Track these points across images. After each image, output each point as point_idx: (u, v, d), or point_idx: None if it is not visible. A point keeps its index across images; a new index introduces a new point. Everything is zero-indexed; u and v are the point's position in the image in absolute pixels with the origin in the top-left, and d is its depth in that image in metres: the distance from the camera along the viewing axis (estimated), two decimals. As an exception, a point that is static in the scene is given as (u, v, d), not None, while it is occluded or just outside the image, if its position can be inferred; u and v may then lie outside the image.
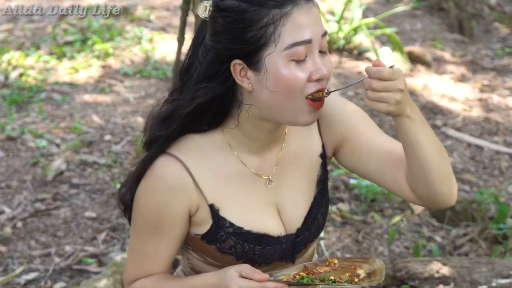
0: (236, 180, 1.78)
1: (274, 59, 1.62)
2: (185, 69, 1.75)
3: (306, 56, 1.63)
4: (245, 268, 1.67)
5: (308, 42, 1.62)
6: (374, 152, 1.82)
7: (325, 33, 1.67)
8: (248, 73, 1.66)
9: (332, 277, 1.67)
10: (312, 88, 1.65)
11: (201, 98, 1.69)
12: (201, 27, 1.74)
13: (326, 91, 1.68)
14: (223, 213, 1.76)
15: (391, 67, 1.60)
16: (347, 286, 1.66)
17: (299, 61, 1.63)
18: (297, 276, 1.68)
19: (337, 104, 1.88)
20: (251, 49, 1.63)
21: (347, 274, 1.68)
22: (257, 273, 1.65)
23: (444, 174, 1.70)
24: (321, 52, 1.67)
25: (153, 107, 1.82)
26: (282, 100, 1.65)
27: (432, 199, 1.74)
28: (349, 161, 1.88)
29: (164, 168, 1.74)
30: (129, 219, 1.86)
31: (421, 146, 1.66)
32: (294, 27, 1.61)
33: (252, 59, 1.64)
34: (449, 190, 1.73)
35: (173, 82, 1.78)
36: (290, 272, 1.71)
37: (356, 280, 1.66)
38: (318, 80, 1.65)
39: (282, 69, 1.62)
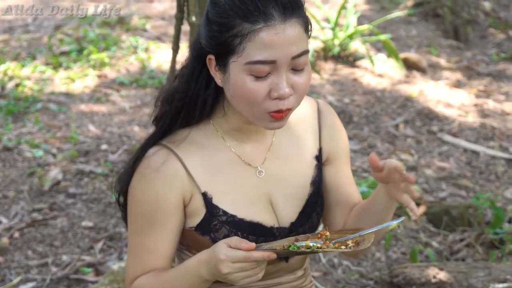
0: (227, 168, 1.81)
1: (236, 68, 1.66)
2: (193, 44, 1.79)
3: (269, 73, 1.66)
4: (234, 239, 1.69)
5: (271, 62, 1.64)
6: (336, 189, 1.94)
7: (301, 54, 1.66)
8: (218, 71, 1.71)
9: (318, 245, 1.69)
10: (272, 106, 1.68)
11: (190, 85, 1.75)
12: None
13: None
14: (216, 201, 1.79)
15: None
16: (333, 251, 1.68)
17: (258, 77, 1.65)
18: (285, 246, 1.70)
19: (340, 124, 1.96)
20: (221, 52, 1.67)
21: (336, 244, 1.70)
22: (244, 243, 1.67)
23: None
24: (295, 70, 1.68)
25: (166, 81, 1.85)
26: (241, 105, 1.71)
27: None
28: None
29: (157, 158, 1.76)
30: (125, 219, 1.87)
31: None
32: (260, 46, 1.63)
33: (221, 61, 1.69)
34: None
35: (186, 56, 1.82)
36: (281, 243, 1.73)
37: (343, 247, 1.69)
38: (277, 98, 1.67)
39: (241, 79, 1.66)
